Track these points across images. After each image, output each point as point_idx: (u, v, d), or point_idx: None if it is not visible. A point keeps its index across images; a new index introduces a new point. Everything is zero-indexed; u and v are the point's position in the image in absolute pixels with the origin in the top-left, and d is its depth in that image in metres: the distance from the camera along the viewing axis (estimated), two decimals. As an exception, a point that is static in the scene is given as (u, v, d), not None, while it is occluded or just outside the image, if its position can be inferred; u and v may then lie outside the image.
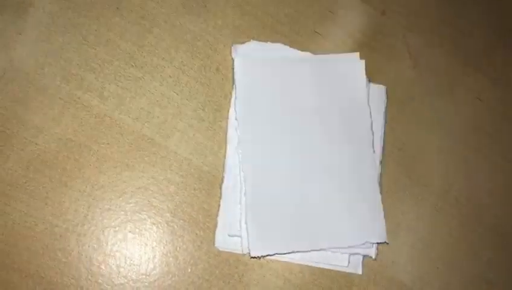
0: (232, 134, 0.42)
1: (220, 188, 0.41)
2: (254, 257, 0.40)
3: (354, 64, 0.46)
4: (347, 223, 0.42)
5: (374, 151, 0.44)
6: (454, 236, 0.46)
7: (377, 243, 0.43)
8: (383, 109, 0.47)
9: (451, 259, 0.46)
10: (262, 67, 0.44)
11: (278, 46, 0.46)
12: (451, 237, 0.46)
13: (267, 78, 0.44)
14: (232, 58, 0.44)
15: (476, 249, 0.46)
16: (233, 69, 0.44)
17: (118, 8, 0.43)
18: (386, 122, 0.47)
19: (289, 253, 0.41)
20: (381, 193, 0.44)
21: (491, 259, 0.47)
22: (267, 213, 0.41)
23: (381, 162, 0.45)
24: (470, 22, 0.52)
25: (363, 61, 0.47)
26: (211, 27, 0.45)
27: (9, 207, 0.37)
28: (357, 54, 0.47)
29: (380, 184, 0.44)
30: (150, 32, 0.43)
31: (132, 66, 0.42)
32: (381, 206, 0.43)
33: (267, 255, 0.40)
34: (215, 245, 0.40)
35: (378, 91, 0.47)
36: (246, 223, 0.40)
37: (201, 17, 0.45)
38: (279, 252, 0.40)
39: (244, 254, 0.40)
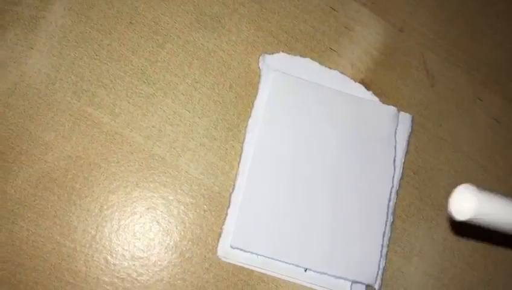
0: (249, 146, 0.42)
1: (230, 197, 0.40)
2: (234, 248, 0.39)
3: (389, 116, 0.45)
4: (341, 253, 0.41)
5: (389, 198, 0.43)
6: (468, 262, 0.45)
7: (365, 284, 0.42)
8: (406, 138, 0.46)
9: (464, 286, 0.45)
10: (296, 88, 0.43)
11: (307, 60, 0.45)
12: (465, 263, 0.45)
13: (298, 100, 0.43)
14: (259, 68, 0.43)
15: (491, 277, 0.45)
16: (260, 80, 0.43)
17: (131, 22, 0.42)
18: (407, 151, 0.46)
19: (274, 260, 0.40)
20: (391, 227, 0.43)
21: (506, 286, 0.45)
22: (261, 214, 0.40)
23: (397, 192, 0.44)
24: (490, 42, 0.51)
25: (397, 115, 0.45)
26: (224, 43, 0.44)
27: (17, 226, 0.37)
28: (395, 109, 0.45)
29: (394, 213, 0.43)
30: (163, 48, 0.42)
31: (144, 82, 0.41)
32: (379, 249, 0.42)
33: (250, 253, 0.39)
34: (217, 254, 0.39)
35: (404, 120, 0.46)
36: (235, 217, 0.39)
37: (215, 33, 0.44)
38: (262, 254, 0.40)
39: (251, 271, 0.40)
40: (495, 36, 0.51)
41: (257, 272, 0.40)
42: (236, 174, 0.41)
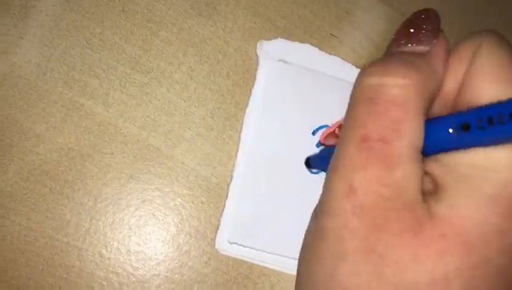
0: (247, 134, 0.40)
1: (228, 187, 0.39)
2: (232, 243, 0.38)
3: None
4: None
5: None
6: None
7: None
8: None
9: None
10: (293, 76, 0.42)
11: (307, 46, 0.44)
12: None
13: (295, 89, 0.42)
14: (257, 56, 0.42)
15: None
16: (257, 67, 0.42)
17: (123, 10, 0.41)
18: None
19: (277, 255, 0.38)
20: None
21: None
22: (258, 207, 0.38)
23: None
24: (496, 27, 0.49)
25: None
26: (220, 30, 0.42)
27: (8, 220, 0.36)
28: None
29: None
30: (157, 36, 0.41)
31: (138, 71, 0.40)
32: None
33: (249, 248, 0.38)
34: (215, 247, 0.38)
35: None
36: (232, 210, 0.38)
37: (211, 20, 0.42)
38: (261, 249, 0.38)
39: (251, 265, 0.38)
40: (501, 22, 0.49)
41: (257, 265, 0.39)
42: (234, 165, 0.40)
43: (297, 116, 0.41)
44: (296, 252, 0.39)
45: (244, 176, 0.39)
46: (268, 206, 0.39)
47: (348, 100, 0.42)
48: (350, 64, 0.44)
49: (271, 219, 0.39)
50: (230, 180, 0.39)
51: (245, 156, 0.40)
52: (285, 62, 0.43)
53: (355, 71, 0.44)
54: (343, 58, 0.44)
